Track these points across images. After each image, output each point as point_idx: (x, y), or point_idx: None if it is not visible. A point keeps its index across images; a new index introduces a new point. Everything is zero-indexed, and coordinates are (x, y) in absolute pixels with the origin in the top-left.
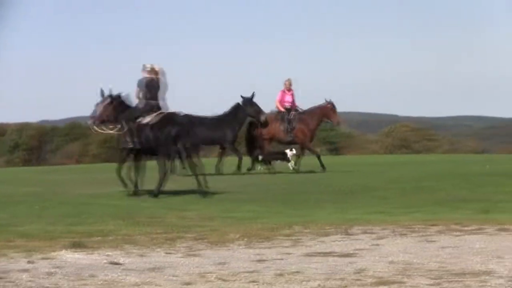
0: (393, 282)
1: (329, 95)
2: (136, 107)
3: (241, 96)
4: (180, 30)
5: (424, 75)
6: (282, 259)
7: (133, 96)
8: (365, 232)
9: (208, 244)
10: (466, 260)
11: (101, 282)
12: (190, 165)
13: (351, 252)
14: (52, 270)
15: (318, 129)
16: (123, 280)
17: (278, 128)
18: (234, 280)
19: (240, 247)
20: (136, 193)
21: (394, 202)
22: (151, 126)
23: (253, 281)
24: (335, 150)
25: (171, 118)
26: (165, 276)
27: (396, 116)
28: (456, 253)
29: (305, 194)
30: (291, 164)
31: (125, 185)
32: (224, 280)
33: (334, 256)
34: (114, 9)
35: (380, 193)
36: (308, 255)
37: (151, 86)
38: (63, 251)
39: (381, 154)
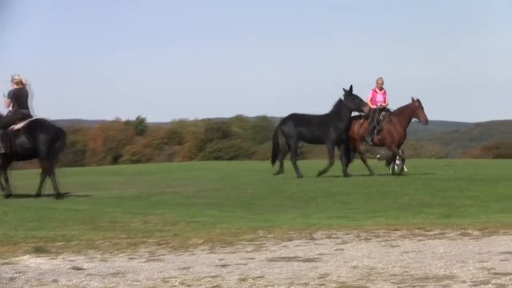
0: (357, 287)
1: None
2: (7, 116)
3: (343, 89)
4: (180, 30)
5: (387, 80)
6: (245, 264)
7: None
8: (329, 237)
9: (171, 249)
10: (429, 265)
11: (64, 287)
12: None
13: (315, 256)
14: (15, 275)
15: (407, 130)
16: (86, 285)
17: (366, 129)
18: (198, 285)
19: (203, 252)
20: (9, 196)
21: (358, 207)
22: (23, 131)
23: (217, 286)
24: (301, 154)
25: (40, 124)
26: (128, 281)
27: None
28: (419, 258)
29: (269, 198)
30: (404, 167)
31: (2, 188)
32: (187, 285)
33: (297, 260)
34: (112, 8)
35: (344, 197)
36: (272, 260)
37: (21, 96)
38: (26, 256)
39: None
